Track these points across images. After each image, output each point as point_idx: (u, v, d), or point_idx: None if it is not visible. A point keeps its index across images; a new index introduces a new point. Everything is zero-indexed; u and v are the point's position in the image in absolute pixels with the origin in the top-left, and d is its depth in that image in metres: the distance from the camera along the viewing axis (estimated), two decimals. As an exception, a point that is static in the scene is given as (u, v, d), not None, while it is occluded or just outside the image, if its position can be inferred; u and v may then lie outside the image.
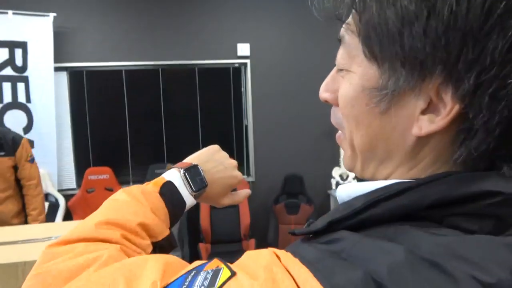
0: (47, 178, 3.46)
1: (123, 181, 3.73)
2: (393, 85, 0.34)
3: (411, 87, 0.33)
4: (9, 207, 2.37)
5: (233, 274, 0.31)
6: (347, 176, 3.85)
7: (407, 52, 0.32)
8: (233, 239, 3.57)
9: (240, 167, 3.96)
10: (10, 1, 3.38)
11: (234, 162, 0.71)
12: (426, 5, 0.30)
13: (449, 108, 0.32)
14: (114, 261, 0.41)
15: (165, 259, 0.37)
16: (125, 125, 3.83)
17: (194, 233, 3.60)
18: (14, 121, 3.39)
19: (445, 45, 0.30)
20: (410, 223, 0.33)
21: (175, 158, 3.79)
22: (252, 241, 3.53)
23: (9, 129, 2.65)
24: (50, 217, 3.44)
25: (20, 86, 3.40)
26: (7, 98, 3.37)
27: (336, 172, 3.91)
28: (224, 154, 0.71)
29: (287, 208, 3.80)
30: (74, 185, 3.75)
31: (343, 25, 0.38)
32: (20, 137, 2.44)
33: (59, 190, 3.59)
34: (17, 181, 2.44)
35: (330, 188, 3.98)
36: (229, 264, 0.33)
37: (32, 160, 2.46)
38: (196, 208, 3.58)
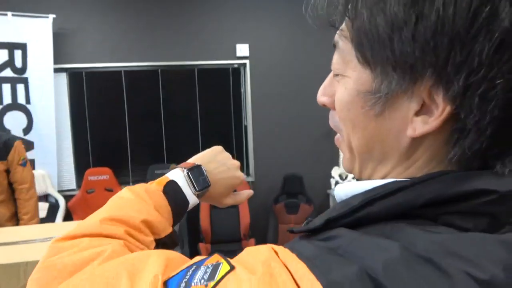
0: (47, 179, 3.46)
1: (123, 182, 3.74)
2: (386, 88, 0.35)
3: (403, 90, 0.34)
4: (1, 211, 2.33)
5: (232, 268, 0.32)
6: (346, 176, 3.85)
7: (397, 56, 0.33)
8: (233, 239, 3.57)
9: (240, 168, 3.95)
10: (9, 3, 3.39)
11: (236, 163, 0.73)
12: (414, 11, 0.31)
13: (441, 109, 0.33)
14: (117, 255, 0.42)
15: (167, 254, 0.38)
16: (124, 126, 3.83)
17: (194, 233, 3.61)
18: (14, 122, 3.39)
19: (433, 49, 0.31)
20: (406, 221, 0.34)
21: (175, 158, 3.80)
22: (252, 241, 3.53)
23: (6, 133, 2.62)
24: (50, 217, 3.45)
25: (20, 88, 3.40)
26: (7, 99, 3.38)
27: (335, 172, 3.91)
28: (227, 155, 0.72)
29: (287, 208, 3.80)
30: (74, 186, 3.75)
31: (337, 32, 0.39)
32: (13, 140, 2.38)
33: (59, 191, 3.59)
34: (10, 185, 2.39)
35: (330, 188, 3.99)
36: (228, 259, 0.34)
37: (24, 164, 2.39)
38: (196, 208, 3.58)
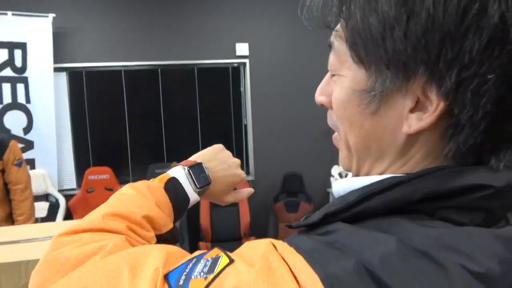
0: (47, 178, 3.47)
1: (123, 181, 3.74)
2: (380, 86, 0.36)
3: (397, 88, 0.35)
4: None
5: (231, 261, 0.32)
6: (346, 175, 3.86)
7: (390, 54, 0.34)
8: (233, 237, 3.58)
9: (240, 166, 3.95)
10: (9, 2, 3.39)
11: (237, 161, 0.73)
12: (405, 10, 0.32)
13: (435, 106, 0.34)
14: (119, 250, 0.43)
15: (168, 249, 0.39)
16: (124, 125, 3.83)
17: (194, 231, 3.61)
18: (14, 121, 3.40)
19: (425, 47, 0.32)
20: (403, 216, 0.34)
21: (175, 157, 3.80)
22: (252, 240, 3.54)
23: (2, 133, 2.59)
24: (50, 217, 3.46)
25: (20, 87, 3.41)
26: (7, 99, 3.38)
27: (335, 170, 3.92)
28: (228, 153, 0.73)
29: (287, 207, 3.81)
30: (74, 185, 3.76)
31: (333, 32, 0.40)
32: (8, 140, 2.35)
33: (60, 190, 3.59)
34: (6, 185, 2.35)
35: (329, 186, 3.99)
36: (228, 252, 0.35)
37: (20, 164, 2.36)
38: (196, 207, 3.59)
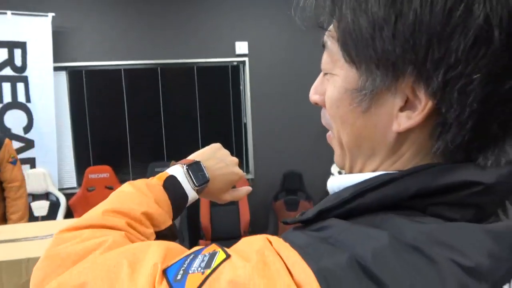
0: (47, 177, 3.48)
1: (123, 180, 3.74)
2: (370, 85, 0.36)
3: (387, 87, 0.36)
4: None
5: (228, 256, 0.33)
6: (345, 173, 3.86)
7: (380, 54, 0.34)
8: (233, 235, 3.58)
9: (240, 165, 3.96)
10: (9, 2, 3.39)
11: (235, 160, 0.74)
12: (394, 11, 0.33)
13: (423, 104, 0.34)
14: (118, 246, 0.44)
15: (167, 244, 0.40)
16: (124, 124, 3.84)
17: (194, 230, 3.62)
18: (14, 121, 3.40)
19: (412, 47, 0.33)
20: (396, 212, 0.35)
21: (175, 156, 3.81)
22: (252, 238, 3.55)
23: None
24: (51, 216, 3.47)
25: (20, 86, 3.41)
26: (7, 98, 3.38)
27: (334, 168, 3.92)
28: (226, 152, 0.74)
29: (287, 205, 3.82)
30: (74, 184, 3.76)
31: (326, 32, 0.41)
32: (3, 138, 2.35)
33: (60, 189, 3.60)
34: (1, 183, 2.35)
35: (329, 184, 3.99)
36: (225, 248, 0.35)
37: (14, 162, 2.36)
38: (196, 205, 3.60)
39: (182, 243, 3.34)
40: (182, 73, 3.93)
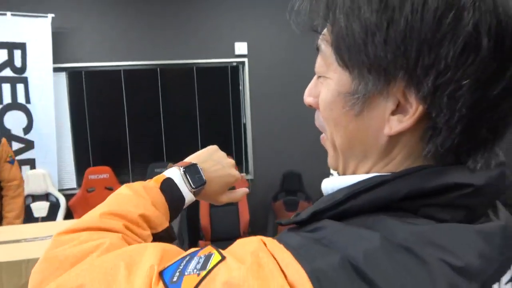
0: (47, 178, 3.48)
1: (123, 180, 3.75)
2: (363, 89, 0.37)
3: (379, 91, 0.36)
4: None
5: (223, 258, 0.34)
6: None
7: (372, 59, 0.35)
8: (232, 236, 3.58)
9: (239, 165, 3.97)
10: (8, 2, 3.40)
11: (231, 162, 0.74)
12: (386, 18, 0.33)
13: (414, 108, 0.35)
14: (116, 248, 0.44)
15: (163, 246, 0.40)
16: (124, 125, 3.84)
17: (194, 230, 3.63)
18: (14, 122, 3.41)
19: (404, 53, 0.33)
20: (388, 213, 0.36)
21: (175, 156, 3.81)
22: (251, 238, 3.55)
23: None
24: (51, 216, 3.47)
25: (20, 87, 3.42)
26: (7, 99, 3.39)
27: (334, 169, 3.92)
28: (222, 154, 0.74)
29: (286, 205, 3.82)
30: (74, 185, 3.77)
31: (320, 36, 0.41)
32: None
33: (60, 190, 3.60)
34: None
35: (329, 185, 3.99)
36: (220, 250, 0.36)
37: (12, 161, 2.36)
38: (195, 206, 3.61)
39: (182, 243, 3.35)
40: (182, 74, 3.94)
